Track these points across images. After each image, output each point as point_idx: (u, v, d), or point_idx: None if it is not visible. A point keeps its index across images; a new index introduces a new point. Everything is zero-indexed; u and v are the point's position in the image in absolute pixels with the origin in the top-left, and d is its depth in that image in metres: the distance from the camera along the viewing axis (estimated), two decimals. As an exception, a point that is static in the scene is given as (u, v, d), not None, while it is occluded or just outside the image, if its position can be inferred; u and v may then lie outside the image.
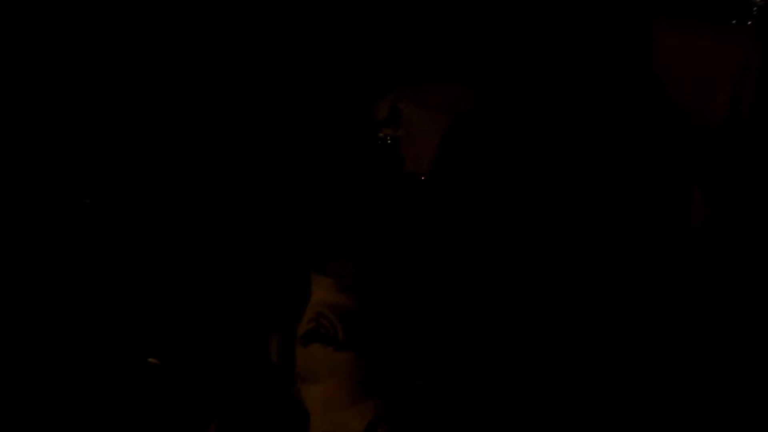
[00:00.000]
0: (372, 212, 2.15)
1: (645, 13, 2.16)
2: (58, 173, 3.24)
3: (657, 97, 2.09)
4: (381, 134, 3.06)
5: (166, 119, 3.30)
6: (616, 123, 2.01)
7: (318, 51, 3.46)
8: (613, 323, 1.95)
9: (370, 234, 2.00)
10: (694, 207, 2.09)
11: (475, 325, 1.95)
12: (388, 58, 3.42)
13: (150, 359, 2.51)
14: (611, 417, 1.96)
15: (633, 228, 1.99)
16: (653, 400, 1.99)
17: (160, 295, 2.65)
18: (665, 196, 2.09)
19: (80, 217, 3.01)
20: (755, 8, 3.96)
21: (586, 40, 2.09)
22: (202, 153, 3.09)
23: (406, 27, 3.46)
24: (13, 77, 3.37)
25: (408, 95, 2.99)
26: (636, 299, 1.94)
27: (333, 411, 1.96)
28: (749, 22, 3.73)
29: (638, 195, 2.06)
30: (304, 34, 3.48)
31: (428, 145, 2.94)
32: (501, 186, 2.01)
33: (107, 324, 2.62)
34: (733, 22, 3.59)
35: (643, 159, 2.09)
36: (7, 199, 3.13)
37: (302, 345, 1.91)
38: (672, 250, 2.05)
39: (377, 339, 1.92)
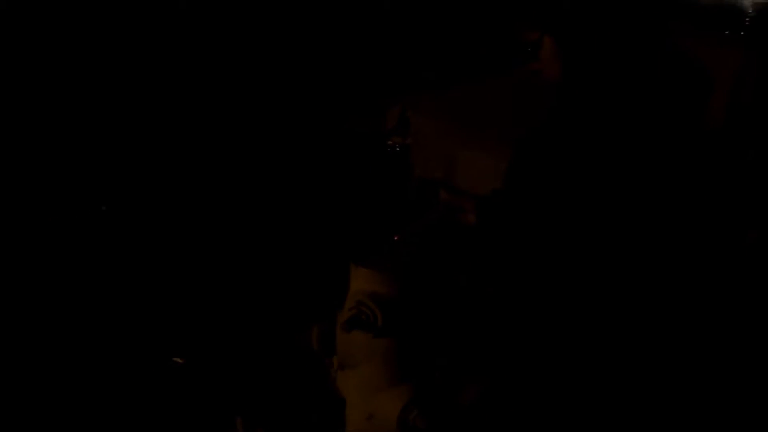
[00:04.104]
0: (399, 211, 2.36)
1: (649, 20, 2.37)
2: (62, 174, 3.41)
3: (663, 101, 2.30)
4: (390, 142, 3.25)
5: (176, 120, 3.48)
6: (629, 125, 2.21)
7: (328, 61, 3.68)
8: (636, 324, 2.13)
9: (406, 230, 2.22)
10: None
11: (503, 315, 2.16)
12: (395, 67, 3.65)
13: (175, 359, 2.71)
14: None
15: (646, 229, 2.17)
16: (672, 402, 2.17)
17: (202, 286, 2.86)
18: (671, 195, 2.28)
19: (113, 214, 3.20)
20: (747, 18, 4.30)
21: (591, 45, 2.28)
22: (239, 155, 3.29)
23: (413, 37, 3.68)
24: (13, 77, 3.52)
25: (415, 104, 3.20)
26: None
27: (370, 393, 2.18)
28: (742, 32, 4.04)
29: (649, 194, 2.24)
30: (314, 43, 3.69)
31: (435, 152, 3.17)
32: (526, 183, 2.22)
33: (146, 318, 2.82)
34: (727, 32, 3.88)
35: (651, 160, 2.27)
36: (9, 200, 3.29)
37: (344, 331, 2.12)
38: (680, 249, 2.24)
39: (414, 326, 2.15)
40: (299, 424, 2.34)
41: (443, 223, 2.26)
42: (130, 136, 3.49)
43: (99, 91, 3.56)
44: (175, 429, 2.48)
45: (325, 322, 2.22)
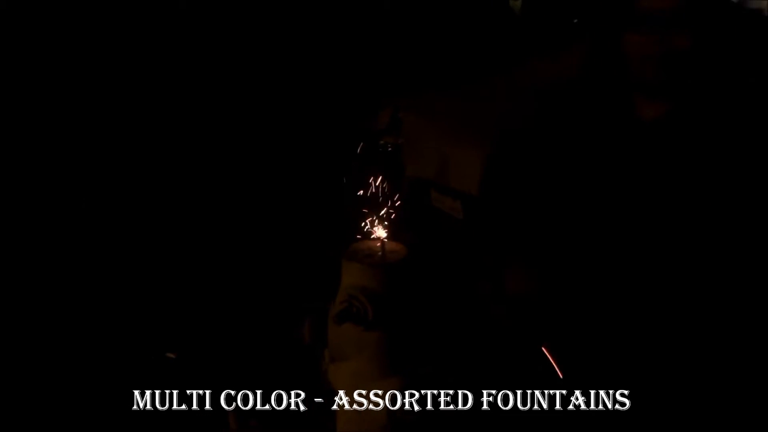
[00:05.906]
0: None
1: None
2: (59, 173, 3.45)
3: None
4: (382, 142, 3.31)
5: (168, 120, 3.52)
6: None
7: (321, 61, 3.74)
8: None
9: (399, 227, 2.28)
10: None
11: (492, 310, 2.23)
12: (388, 68, 3.71)
13: (168, 354, 2.77)
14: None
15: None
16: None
17: (194, 280, 2.92)
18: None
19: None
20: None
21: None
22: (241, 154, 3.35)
23: (407, 38, 3.75)
24: (13, 77, 3.56)
25: (408, 104, 3.26)
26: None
27: (360, 385, 2.24)
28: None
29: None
30: (307, 42, 3.75)
31: (427, 151, 3.24)
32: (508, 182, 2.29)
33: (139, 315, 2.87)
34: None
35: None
36: (7, 200, 3.33)
37: (336, 323, 2.19)
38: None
39: (404, 319, 2.22)
40: (291, 417, 2.40)
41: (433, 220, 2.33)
42: (126, 133, 3.54)
43: (98, 90, 3.61)
44: (168, 423, 2.53)
45: (317, 315, 2.28)
